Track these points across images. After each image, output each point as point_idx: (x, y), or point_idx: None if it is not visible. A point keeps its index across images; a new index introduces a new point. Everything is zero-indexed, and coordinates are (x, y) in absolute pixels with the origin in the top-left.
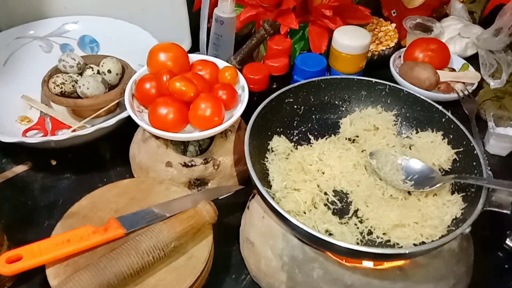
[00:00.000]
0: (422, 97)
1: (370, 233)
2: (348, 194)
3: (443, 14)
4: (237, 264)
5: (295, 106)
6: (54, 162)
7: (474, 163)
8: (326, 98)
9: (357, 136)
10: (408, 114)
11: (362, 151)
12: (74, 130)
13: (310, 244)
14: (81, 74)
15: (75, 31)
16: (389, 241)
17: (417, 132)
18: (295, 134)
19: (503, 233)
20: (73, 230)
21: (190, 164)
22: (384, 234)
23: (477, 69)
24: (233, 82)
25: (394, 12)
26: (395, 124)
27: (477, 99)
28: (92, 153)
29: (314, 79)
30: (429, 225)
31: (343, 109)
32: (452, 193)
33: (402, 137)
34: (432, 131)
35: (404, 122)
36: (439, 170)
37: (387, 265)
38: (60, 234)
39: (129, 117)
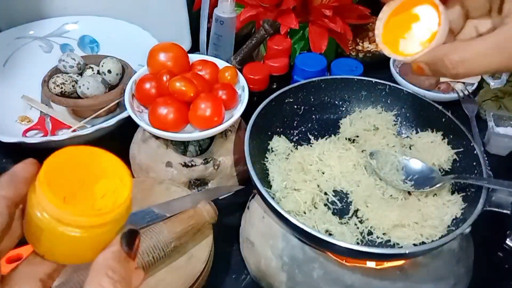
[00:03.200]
0: (422, 97)
1: (370, 233)
2: (348, 194)
3: None
4: (237, 264)
5: (295, 106)
6: None
7: (474, 163)
8: (326, 98)
9: (357, 136)
10: (408, 114)
11: (362, 151)
12: (74, 130)
13: (310, 244)
14: (81, 74)
15: (75, 31)
16: (389, 241)
17: (417, 132)
18: (295, 134)
19: (503, 233)
20: None
21: (190, 164)
22: (384, 234)
23: None
24: (233, 82)
25: None
26: (395, 124)
27: (477, 99)
28: None
29: (314, 79)
30: (429, 225)
31: (343, 109)
32: (452, 193)
33: (402, 137)
34: (432, 131)
35: (404, 122)
36: (439, 170)
37: (387, 265)
38: None
39: (129, 117)
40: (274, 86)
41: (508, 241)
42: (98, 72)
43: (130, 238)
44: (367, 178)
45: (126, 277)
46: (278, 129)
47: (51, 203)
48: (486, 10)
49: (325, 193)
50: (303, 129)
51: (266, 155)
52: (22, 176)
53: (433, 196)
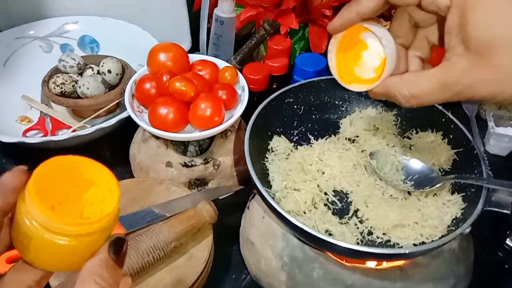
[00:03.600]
0: None
1: (370, 233)
2: (348, 194)
3: None
4: (237, 264)
5: (295, 106)
6: None
7: (474, 163)
8: (326, 98)
9: (357, 136)
10: (408, 114)
11: (362, 151)
12: (74, 130)
13: (310, 244)
14: (81, 74)
15: (75, 31)
16: (389, 241)
17: (417, 132)
18: (295, 134)
19: (503, 233)
20: None
21: (190, 164)
22: (384, 234)
23: None
24: (233, 82)
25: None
26: (395, 124)
27: None
28: (92, 153)
29: (314, 79)
30: (429, 225)
31: (343, 109)
32: (452, 193)
33: (402, 137)
34: (432, 131)
35: (404, 122)
36: (439, 170)
37: (387, 265)
38: None
39: (129, 117)
40: (274, 86)
41: (508, 241)
42: (98, 72)
43: (118, 246)
44: (367, 178)
45: (113, 284)
46: (278, 129)
47: (40, 212)
48: (434, 19)
49: (325, 193)
50: (303, 129)
51: (266, 155)
52: (11, 185)
53: (433, 196)
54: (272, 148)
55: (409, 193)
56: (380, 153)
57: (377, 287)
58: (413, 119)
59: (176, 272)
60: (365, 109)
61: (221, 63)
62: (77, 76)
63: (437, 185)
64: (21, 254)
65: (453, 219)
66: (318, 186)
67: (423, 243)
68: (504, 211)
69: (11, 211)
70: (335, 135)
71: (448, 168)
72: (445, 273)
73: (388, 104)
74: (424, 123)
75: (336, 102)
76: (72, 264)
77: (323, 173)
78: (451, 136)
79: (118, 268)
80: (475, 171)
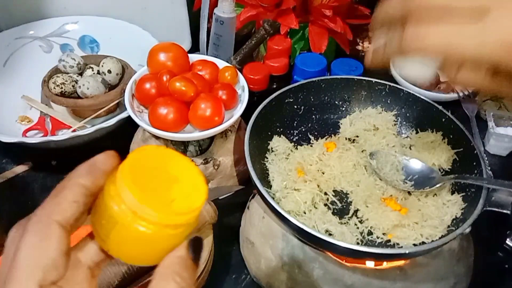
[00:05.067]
0: (422, 97)
1: (370, 233)
2: (348, 194)
3: None
4: (237, 264)
5: (295, 106)
6: (54, 162)
7: (474, 163)
8: (326, 98)
9: (357, 136)
10: (408, 114)
11: (362, 151)
12: (74, 130)
13: (310, 244)
14: (81, 74)
15: (75, 31)
16: (389, 241)
17: (417, 132)
18: (295, 134)
19: (503, 233)
20: None
21: None
22: (384, 234)
23: None
24: (233, 82)
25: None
26: (395, 124)
27: (477, 99)
28: (92, 153)
29: (314, 79)
30: (429, 225)
31: (343, 109)
32: (452, 193)
33: (402, 137)
34: (432, 131)
35: (404, 122)
36: (439, 170)
37: (387, 265)
38: None
39: (129, 117)
40: (274, 86)
41: (508, 241)
42: (98, 72)
43: (197, 245)
44: (367, 178)
45: (191, 285)
46: (278, 129)
47: (133, 195)
48: None
49: (325, 193)
50: (303, 129)
51: (266, 155)
52: (101, 167)
53: (433, 196)
54: (272, 148)
55: (409, 193)
56: (380, 153)
57: (377, 287)
58: (413, 119)
59: None
60: (365, 109)
61: (221, 63)
62: (77, 76)
63: (437, 185)
64: (99, 240)
65: (453, 219)
66: (318, 186)
67: (423, 243)
68: (504, 211)
69: (97, 195)
70: (335, 135)
71: (448, 168)
72: (445, 273)
73: (388, 104)
74: (424, 123)
75: (336, 102)
76: (148, 257)
77: (323, 173)
78: (451, 136)
79: (195, 269)
80: (475, 171)
